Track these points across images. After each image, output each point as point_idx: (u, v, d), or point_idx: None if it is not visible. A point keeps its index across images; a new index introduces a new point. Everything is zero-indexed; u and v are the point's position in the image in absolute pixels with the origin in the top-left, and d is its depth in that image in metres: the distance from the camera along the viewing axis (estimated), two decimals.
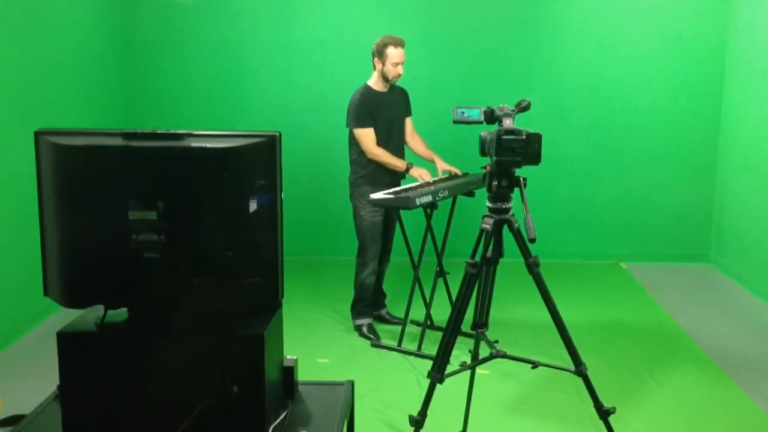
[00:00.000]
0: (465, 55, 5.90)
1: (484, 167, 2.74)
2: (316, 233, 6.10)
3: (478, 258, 2.75)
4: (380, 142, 4.27)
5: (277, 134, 1.82)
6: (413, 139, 4.55)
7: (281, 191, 1.84)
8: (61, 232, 1.71)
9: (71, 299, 1.72)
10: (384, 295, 4.71)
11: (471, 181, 4.35)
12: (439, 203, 4.07)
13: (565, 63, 5.87)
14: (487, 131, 2.71)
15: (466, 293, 2.73)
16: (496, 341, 3.00)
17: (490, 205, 2.73)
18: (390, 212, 4.37)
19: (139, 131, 1.73)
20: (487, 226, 2.72)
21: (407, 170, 4.27)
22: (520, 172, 2.66)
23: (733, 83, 5.62)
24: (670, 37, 5.75)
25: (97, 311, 1.79)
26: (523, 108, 2.72)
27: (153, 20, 5.90)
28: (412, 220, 4.64)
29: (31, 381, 3.57)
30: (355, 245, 4.45)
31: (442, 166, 4.42)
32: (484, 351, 2.96)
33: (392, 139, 4.36)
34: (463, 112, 2.75)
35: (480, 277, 2.81)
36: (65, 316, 1.80)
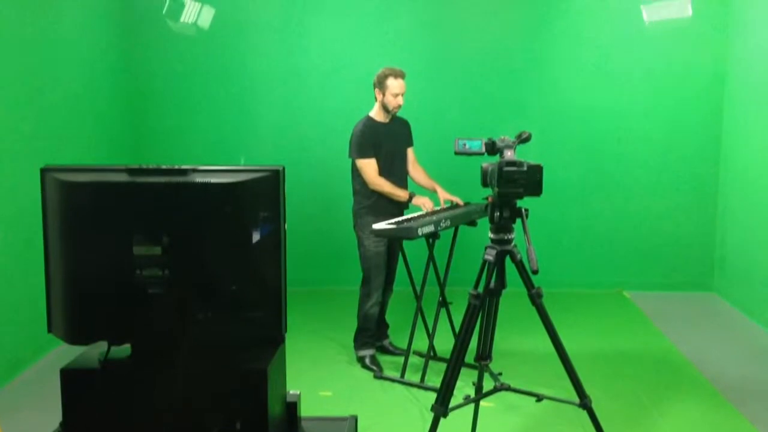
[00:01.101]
0: (465, 85, 5.95)
1: (486, 198, 2.75)
2: (318, 263, 6.09)
3: (480, 289, 2.76)
4: (383, 173, 4.29)
5: (281, 168, 1.84)
6: (415, 170, 4.57)
7: (285, 224, 1.85)
8: (65, 269, 1.72)
9: (75, 336, 1.72)
10: (387, 326, 4.69)
11: (473, 211, 4.36)
12: (441, 233, 4.08)
13: (563, 94, 5.91)
14: (489, 162, 2.74)
15: (470, 325, 2.73)
16: (500, 373, 2.99)
17: (492, 236, 2.74)
18: (393, 242, 4.38)
19: (144, 167, 1.75)
20: (490, 257, 2.73)
21: (409, 200, 4.29)
22: (522, 203, 2.68)
23: (733, 112, 5.65)
24: (669, 68, 5.80)
25: (100, 346, 1.79)
26: (524, 140, 2.74)
27: (157, 53, 5.96)
28: (414, 250, 4.64)
29: (35, 415, 3.55)
30: (357, 275, 4.45)
31: (444, 195, 4.44)
32: (488, 383, 2.94)
33: (394, 170, 4.38)
34: (464, 144, 2.77)
35: (483, 308, 2.81)
36: (68, 350, 1.80)
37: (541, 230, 5.45)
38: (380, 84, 4.23)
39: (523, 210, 2.66)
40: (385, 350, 4.62)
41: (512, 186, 2.55)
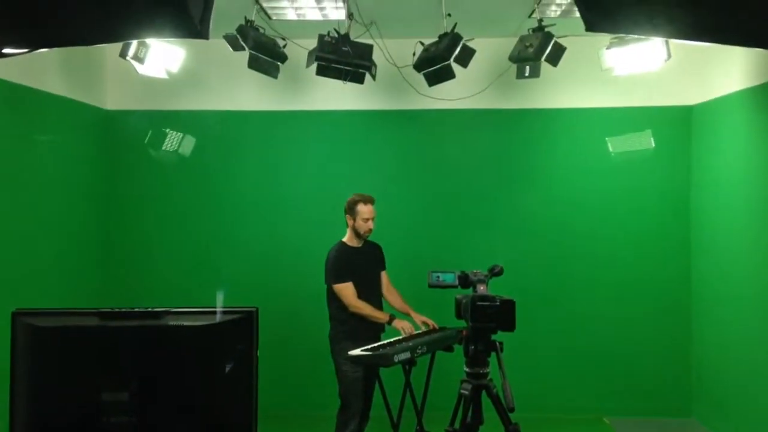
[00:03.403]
0: (439, 207, 6.06)
1: (461, 331, 2.76)
2: (293, 387, 5.96)
3: (457, 425, 2.71)
4: (358, 296, 4.30)
5: (254, 310, 1.85)
6: (389, 293, 4.61)
7: (257, 364, 1.84)
8: (30, 413, 1.68)
9: None
10: None
11: (448, 336, 4.33)
12: (418, 359, 4.04)
13: (534, 215, 6.02)
14: (463, 295, 2.77)
15: None
16: None
17: (467, 369, 2.73)
18: (369, 369, 4.32)
19: (116, 310, 1.75)
20: (466, 392, 2.70)
21: (389, 322, 4.29)
22: (497, 336, 2.69)
23: (700, 234, 5.79)
24: (634, 193, 5.96)
25: None
26: (496, 273, 2.79)
27: (133, 186, 6.07)
28: (390, 375, 4.57)
29: None
30: (333, 400, 4.35)
31: (419, 318, 4.45)
32: None
33: (369, 293, 4.41)
34: (438, 277, 2.81)
35: None
36: None
37: (518, 354, 5.41)
38: (351, 210, 4.36)
39: (497, 343, 2.66)
40: None
41: (485, 321, 2.57)
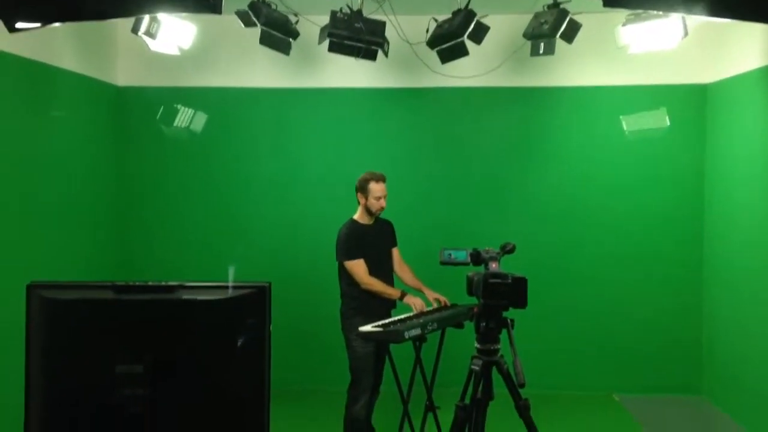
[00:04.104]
0: (451, 185, 6.05)
1: (472, 308, 2.77)
2: (304, 363, 6.01)
3: (467, 400, 2.73)
4: (370, 273, 4.32)
5: (267, 285, 1.85)
6: (401, 269, 4.62)
7: (270, 339, 1.85)
8: (45, 385, 1.70)
9: None
10: (372, 430, 4.58)
11: (459, 313, 4.35)
12: (428, 335, 4.06)
13: (547, 193, 6.00)
14: (475, 272, 2.77)
15: None
16: None
17: (478, 345, 2.74)
18: (380, 345, 4.34)
19: (131, 284, 1.76)
20: (476, 368, 2.71)
21: (401, 298, 4.31)
22: (508, 313, 2.69)
23: (714, 212, 5.75)
24: (649, 172, 5.93)
25: None
26: (508, 251, 2.78)
27: (145, 162, 6.09)
28: (401, 351, 4.59)
29: None
30: (344, 375, 4.39)
31: (431, 294, 4.46)
32: None
33: (380, 269, 4.42)
34: (450, 254, 2.81)
35: (470, 419, 2.77)
36: None
37: (529, 331, 5.42)
38: (362, 188, 4.35)
39: (508, 320, 2.66)
40: None
41: (497, 298, 2.57)
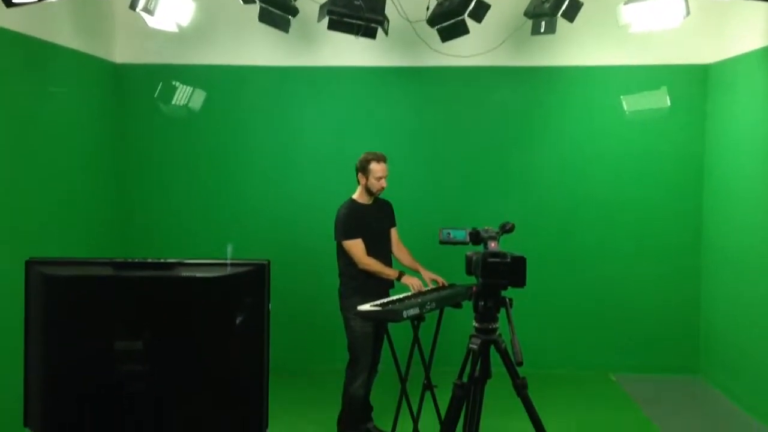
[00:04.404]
0: (450, 164, 6.05)
1: (470, 288, 2.77)
2: (302, 342, 6.03)
3: (465, 378, 2.74)
4: (368, 253, 4.32)
5: (266, 263, 1.85)
6: (399, 250, 4.62)
7: (268, 318, 1.84)
8: (44, 362, 1.70)
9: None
10: (371, 408, 4.61)
11: (457, 293, 4.36)
12: (427, 315, 4.07)
13: (546, 172, 6.00)
14: (474, 251, 2.77)
15: (455, 415, 2.70)
16: None
17: (476, 324, 2.74)
18: (378, 324, 4.36)
19: (129, 260, 1.75)
20: (474, 347, 2.72)
21: (399, 278, 4.32)
22: (506, 292, 2.70)
23: (712, 194, 5.75)
24: (648, 152, 5.92)
25: None
26: (507, 230, 2.78)
27: (142, 140, 6.06)
28: (399, 331, 4.61)
29: None
30: (342, 354, 4.41)
31: (428, 275, 4.47)
32: None
33: (378, 250, 4.42)
34: (449, 233, 2.81)
35: (468, 397, 2.79)
36: None
37: (527, 310, 5.44)
38: (363, 168, 4.34)
39: (507, 300, 2.67)
40: None
41: (496, 277, 2.58)
